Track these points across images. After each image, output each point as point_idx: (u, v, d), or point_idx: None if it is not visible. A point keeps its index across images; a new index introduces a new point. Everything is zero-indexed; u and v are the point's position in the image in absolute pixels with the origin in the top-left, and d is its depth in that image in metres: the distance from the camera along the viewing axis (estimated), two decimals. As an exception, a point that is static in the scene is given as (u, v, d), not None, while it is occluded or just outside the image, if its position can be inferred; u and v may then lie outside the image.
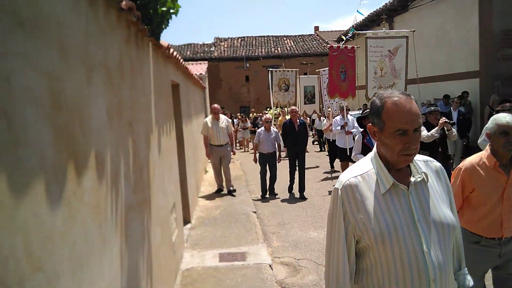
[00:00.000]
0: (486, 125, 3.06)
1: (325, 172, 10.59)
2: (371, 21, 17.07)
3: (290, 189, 8.49)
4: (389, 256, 1.47)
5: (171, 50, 4.30)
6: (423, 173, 1.56)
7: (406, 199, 1.51)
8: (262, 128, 8.53)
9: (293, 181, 8.44)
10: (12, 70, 1.16)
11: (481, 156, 2.69)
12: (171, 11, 3.45)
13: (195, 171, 7.76)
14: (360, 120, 6.39)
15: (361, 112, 10.62)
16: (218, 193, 8.45)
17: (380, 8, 15.92)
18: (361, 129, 6.31)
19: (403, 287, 1.47)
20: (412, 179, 1.55)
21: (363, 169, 1.60)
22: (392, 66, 8.37)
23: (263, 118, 9.64)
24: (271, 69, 14.68)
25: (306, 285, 4.26)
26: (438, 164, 1.68)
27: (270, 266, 4.60)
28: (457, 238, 1.66)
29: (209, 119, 8.27)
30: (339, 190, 1.57)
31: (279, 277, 4.42)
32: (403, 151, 1.47)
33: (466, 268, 1.70)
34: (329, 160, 10.88)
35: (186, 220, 6.01)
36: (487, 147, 2.68)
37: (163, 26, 3.54)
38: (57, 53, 1.48)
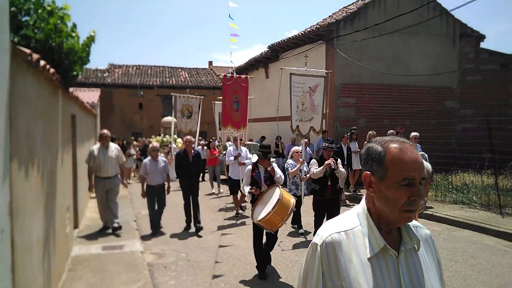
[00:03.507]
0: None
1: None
2: (251, 65, 19.94)
3: (188, 227, 7.96)
4: None
5: (73, 92, 5.88)
6: (416, 240, 1.37)
7: (394, 268, 1.31)
8: (149, 158, 7.89)
9: (190, 220, 7.96)
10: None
11: None
12: (83, 57, 5.07)
13: (83, 189, 8.92)
14: (262, 150, 5.84)
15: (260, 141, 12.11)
16: (103, 231, 7.40)
17: (257, 55, 18.87)
18: (254, 161, 6.22)
19: None
20: (404, 245, 1.35)
21: (348, 225, 1.38)
22: (312, 101, 8.67)
23: (149, 147, 8.68)
24: (174, 94, 13.79)
25: (166, 263, 6.01)
26: (427, 231, 1.48)
27: (141, 252, 6.27)
28: None
29: (96, 147, 7.40)
30: (318, 247, 1.35)
31: (147, 260, 6.10)
32: (406, 205, 1.28)
33: None
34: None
35: (75, 226, 7.35)
36: None
37: (75, 73, 5.13)
38: (29, 107, 3.15)
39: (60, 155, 5.05)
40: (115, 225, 7.32)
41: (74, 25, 4.80)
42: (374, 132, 10.89)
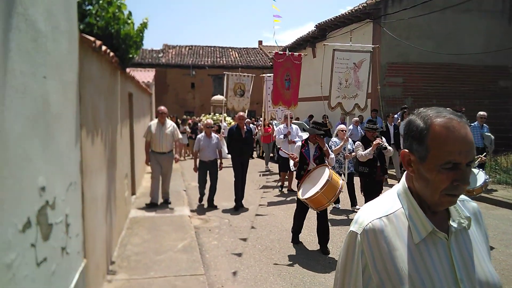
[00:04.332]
0: None
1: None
2: (299, 44, 20.09)
3: (238, 206, 7.85)
4: None
5: (130, 72, 6.60)
6: (467, 218, 1.24)
7: (445, 252, 1.18)
8: (203, 134, 8.01)
9: (240, 195, 7.94)
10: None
11: None
12: (138, 41, 5.72)
13: (140, 161, 9.86)
14: (316, 126, 5.83)
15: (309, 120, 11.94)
16: (151, 207, 7.46)
17: (305, 35, 18.98)
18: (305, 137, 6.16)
19: None
20: (453, 224, 1.22)
21: (389, 209, 1.25)
22: (356, 78, 8.51)
23: (203, 123, 9.05)
24: (226, 72, 13.73)
25: (211, 227, 6.69)
26: (474, 204, 1.36)
27: (189, 217, 7.00)
28: None
29: (153, 123, 7.65)
30: (359, 236, 1.23)
31: (194, 224, 6.81)
32: (449, 189, 1.14)
33: None
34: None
35: (133, 192, 8.23)
36: None
37: (131, 55, 5.81)
38: (93, 86, 3.81)
39: (119, 128, 5.78)
40: (166, 199, 7.79)
41: (130, 13, 5.43)
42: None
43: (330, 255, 5.42)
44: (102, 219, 4.31)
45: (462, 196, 1.32)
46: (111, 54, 4.70)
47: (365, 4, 14.31)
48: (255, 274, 4.79)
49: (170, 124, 7.80)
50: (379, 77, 13.22)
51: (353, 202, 7.82)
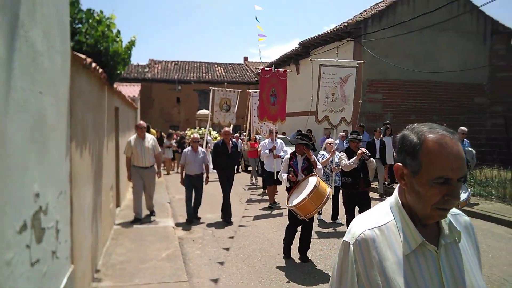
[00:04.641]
0: None
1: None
2: (283, 61, 20.58)
3: (228, 222, 7.88)
4: None
5: (117, 87, 6.81)
6: (457, 232, 1.28)
7: (435, 264, 1.22)
8: (189, 148, 8.06)
9: (229, 214, 7.98)
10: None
11: None
12: (126, 58, 5.96)
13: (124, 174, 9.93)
14: (300, 137, 5.99)
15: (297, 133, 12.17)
16: (135, 223, 7.33)
17: (289, 52, 19.50)
18: (290, 152, 6.25)
19: None
20: (444, 238, 1.26)
21: (381, 220, 1.29)
22: (343, 92, 8.72)
23: (190, 138, 9.07)
24: (212, 88, 13.94)
25: (194, 237, 6.87)
26: (466, 218, 1.40)
27: (173, 228, 7.16)
28: None
29: (133, 138, 7.60)
30: (351, 245, 1.28)
31: (178, 235, 6.97)
32: (440, 204, 1.18)
33: None
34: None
35: (117, 205, 8.35)
36: None
37: (118, 71, 6.04)
38: (83, 100, 4.03)
39: (105, 141, 5.97)
40: (152, 211, 7.91)
41: (118, 31, 5.68)
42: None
43: (309, 263, 5.64)
44: (88, 228, 4.48)
45: (455, 210, 1.35)
46: (100, 70, 4.93)
47: (346, 24, 14.86)
48: (237, 281, 4.99)
49: (150, 138, 7.83)
50: (359, 95, 13.67)
51: (335, 215, 7.96)
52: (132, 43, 5.98)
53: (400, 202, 1.30)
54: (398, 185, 1.33)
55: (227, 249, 6.25)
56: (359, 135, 6.79)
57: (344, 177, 6.57)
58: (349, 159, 6.40)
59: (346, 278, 1.30)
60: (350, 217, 6.39)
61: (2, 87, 1.95)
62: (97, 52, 5.37)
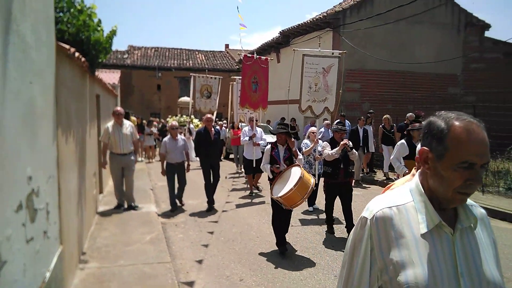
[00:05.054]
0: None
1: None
2: (263, 50, 20.73)
3: (210, 209, 7.92)
4: None
5: (98, 75, 6.91)
6: (474, 218, 1.31)
7: (449, 246, 1.26)
8: (168, 136, 7.97)
9: (212, 201, 8.02)
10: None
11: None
12: (107, 47, 6.07)
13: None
14: (281, 126, 6.11)
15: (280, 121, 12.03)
16: (118, 209, 7.46)
17: (269, 40, 19.65)
18: (272, 141, 6.23)
19: None
20: (460, 223, 1.29)
21: (401, 200, 1.34)
22: (326, 82, 8.75)
23: (168, 125, 9.04)
24: (193, 74, 13.82)
25: (177, 222, 7.10)
26: (483, 210, 1.42)
27: (156, 213, 7.37)
28: None
29: (110, 124, 7.42)
30: (368, 221, 1.33)
31: (161, 220, 7.18)
32: (462, 188, 1.22)
33: None
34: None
35: (100, 191, 8.49)
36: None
37: (100, 60, 6.15)
38: (67, 88, 4.17)
39: (88, 128, 6.10)
40: (132, 204, 7.57)
41: (99, 21, 5.78)
42: (389, 116, 11.39)
43: (286, 245, 5.87)
44: (74, 211, 4.66)
45: (470, 201, 1.37)
46: (83, 59, 5.06)
47: (325, 14, 15.10)
48: (218, 262, 5.26)
49: (128, 124, 7.64)
50: (339, 84, 13.98)
51: (312, 201, 7.99)
52: (113, 33, 6.09)
53: (421, 186, 1.34)
54: (421, 168, 1.37)
55: (210, 233, 6.50)
56: (344, 126, 6.73)
57: (326, 166, 6.64)
58: (332, 149, 6.42)
59: (359, 251, 1.34)
60: (330, 206, 6.49)
61: None
62: (79, 41, 5.48)
